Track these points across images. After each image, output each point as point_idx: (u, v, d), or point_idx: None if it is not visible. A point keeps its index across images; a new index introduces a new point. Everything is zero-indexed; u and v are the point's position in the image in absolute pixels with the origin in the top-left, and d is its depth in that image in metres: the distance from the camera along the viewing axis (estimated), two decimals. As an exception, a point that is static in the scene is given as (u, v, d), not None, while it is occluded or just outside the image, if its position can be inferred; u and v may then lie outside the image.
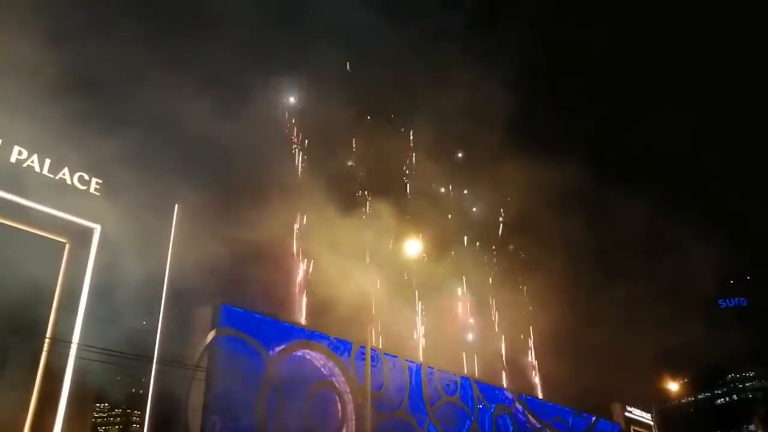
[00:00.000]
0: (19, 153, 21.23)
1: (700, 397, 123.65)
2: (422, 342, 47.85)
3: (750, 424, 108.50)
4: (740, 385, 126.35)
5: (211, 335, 23.97)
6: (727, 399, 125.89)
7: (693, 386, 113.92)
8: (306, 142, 46.83)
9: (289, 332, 27.26)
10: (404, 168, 54.72)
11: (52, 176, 21.82)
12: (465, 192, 59.65)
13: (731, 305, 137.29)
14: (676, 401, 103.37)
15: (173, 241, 24.30)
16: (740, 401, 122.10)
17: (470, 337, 52.38)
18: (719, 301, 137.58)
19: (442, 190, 57.05)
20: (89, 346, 19.94)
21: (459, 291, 54.21)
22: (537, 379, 60.32)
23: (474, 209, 60.97)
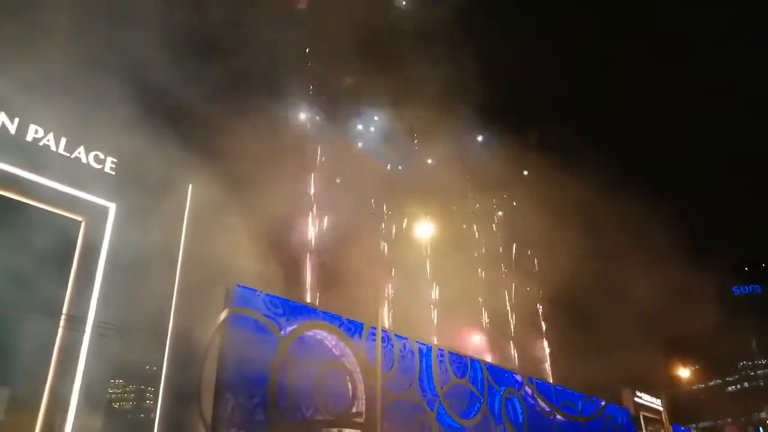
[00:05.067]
0: (36, 131, 21.42)
1: (711, 383, 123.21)
2: (435, 322, 48.15)
3: (761, 412, 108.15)
4: (752, 373, 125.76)
5: (224, 314, 24.21)
6: (739, 386, 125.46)
7: (704, 373, 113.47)
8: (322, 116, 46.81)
9: (301, 312, 27.46)
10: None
11: (68, 155, 22.01)
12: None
13: (745, 292, 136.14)
14: (687, 387, 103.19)
15: (187, 220, 24.47)
16: (751, 389, 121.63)
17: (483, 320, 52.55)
18: (733, 288, 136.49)
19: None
20: (104, 323, 20.24)
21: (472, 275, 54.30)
22: (547, 363, 60.52)
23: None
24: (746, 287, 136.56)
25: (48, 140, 21.67)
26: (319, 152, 45.91)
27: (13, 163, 20.54)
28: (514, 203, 63.16)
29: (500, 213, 62.40)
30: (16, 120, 21.04)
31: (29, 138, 21.26)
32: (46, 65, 21.70)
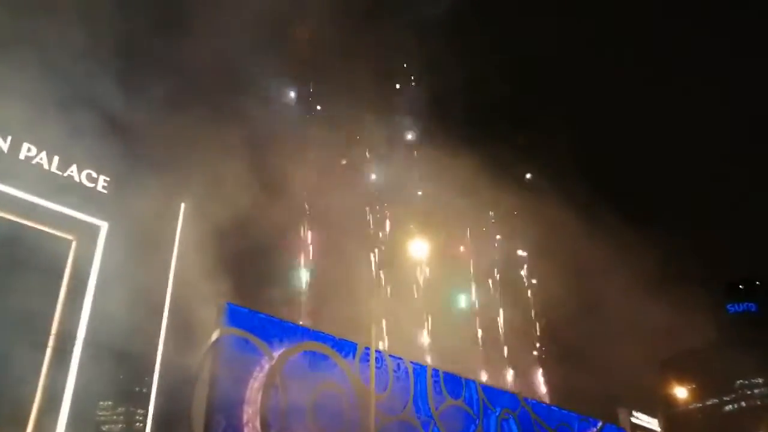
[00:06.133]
0: (28, 150, 21.37)
1: (708, 403, 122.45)
2: (427, 343, 47.90)
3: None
4: (749, 392, 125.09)
5: (215, 334, 23.93)
6: (736, 406, 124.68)
7: (701, 392, 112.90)
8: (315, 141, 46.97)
9: (294, 332, 27.18)
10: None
11: (60, 173, 21.95)
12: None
13: (740, 310, 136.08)
14: (684, 407, 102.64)
15: (179, 239, 24.35)
16: (749, 408, 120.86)
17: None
18: (728, 306, 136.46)
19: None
20: (94, 343, 20.00)
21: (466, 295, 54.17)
22: (543, 384, 60.18)
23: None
24: (741, 305, 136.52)
25: (41, 159, 21.61)
26: (312, 167, 46.11)
27: (5, 182, 20.45)
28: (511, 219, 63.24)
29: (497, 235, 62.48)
30: (9, 138, 21.00)
31: (22, 156, 21.20)
32: (40, 84, 21.71)
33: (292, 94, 47.57)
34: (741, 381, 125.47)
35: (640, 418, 51.50)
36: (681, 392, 73.76)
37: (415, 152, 55.33)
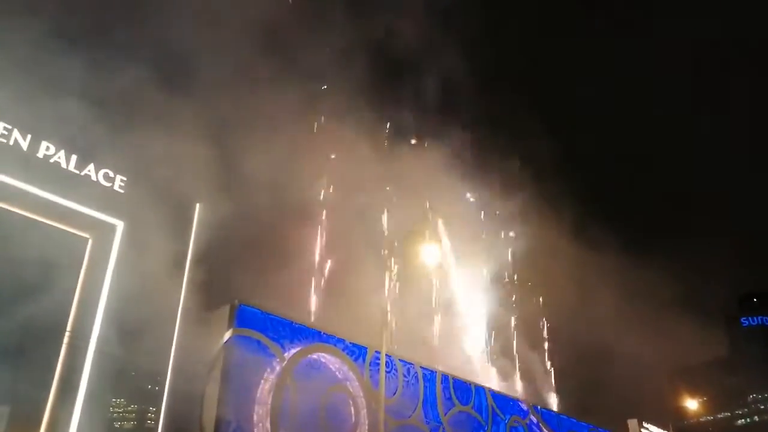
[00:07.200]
0: (47, 148, 21.61)
1: (719, 416, 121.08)
2: (438, 348, 47.77)
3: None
4: (762, 407, 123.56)
5: (227, 335, 24.06)
6: (748, 420, 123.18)
7: (713, 405, 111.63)
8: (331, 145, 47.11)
9: (305, 334, 27.27)
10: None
11: (77, 172, 22.17)
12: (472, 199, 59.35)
13: (754, 324, 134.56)
14: (695, 420, 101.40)
15: (194, 239, 24.51)
16: (761, 423, 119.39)
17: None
18: (742, 320, 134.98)
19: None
20: (108, 342, 20.18)
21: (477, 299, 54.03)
22: (553, 392, 59.79)
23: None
24: (755, 318, 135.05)
25: (59, 157, 21.86)
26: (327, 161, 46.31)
27: (23, 179, 20.71)
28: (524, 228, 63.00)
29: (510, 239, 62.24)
30: (29, 137, 21.27)
31: (40, 155, 21.45)
32: (58, 83, 21.99)
33: (310, 93, 47.76)
34: (754, 395, 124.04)
35: (651, 430, 51.01)
36: (692, 405, 72.89)
37: (421, 151, 55.20)
